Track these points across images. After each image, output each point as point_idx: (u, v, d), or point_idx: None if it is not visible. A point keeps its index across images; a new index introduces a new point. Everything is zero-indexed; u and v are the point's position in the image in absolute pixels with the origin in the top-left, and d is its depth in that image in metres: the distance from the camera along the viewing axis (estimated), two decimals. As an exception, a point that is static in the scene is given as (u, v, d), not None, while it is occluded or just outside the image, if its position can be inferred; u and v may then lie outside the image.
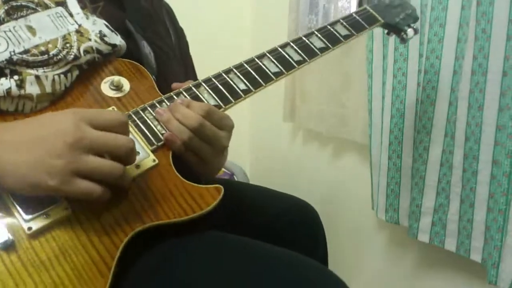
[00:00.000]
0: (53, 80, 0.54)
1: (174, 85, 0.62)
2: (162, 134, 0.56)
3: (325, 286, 0.46)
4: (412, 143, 0.99)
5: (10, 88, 0.51)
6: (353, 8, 1.31)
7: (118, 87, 0.59)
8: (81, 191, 0.44)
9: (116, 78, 0.59)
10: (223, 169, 1.47)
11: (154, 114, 0.57)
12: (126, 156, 0.48)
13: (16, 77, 0.52)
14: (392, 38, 1.00)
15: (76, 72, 0.57)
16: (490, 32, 0.80)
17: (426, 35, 0.92)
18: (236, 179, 1.56)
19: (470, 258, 0.89)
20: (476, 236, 0.88)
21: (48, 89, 0.54)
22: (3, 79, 0.52)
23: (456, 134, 0.88)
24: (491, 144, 0.83)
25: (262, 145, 1.82)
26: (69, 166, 0.43)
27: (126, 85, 0.59)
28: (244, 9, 1.77)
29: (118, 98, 0.58)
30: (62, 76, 0.55)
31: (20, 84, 0.52)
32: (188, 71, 0.81)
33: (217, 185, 0.53)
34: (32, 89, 0.53)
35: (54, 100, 0.55)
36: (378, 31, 1.05)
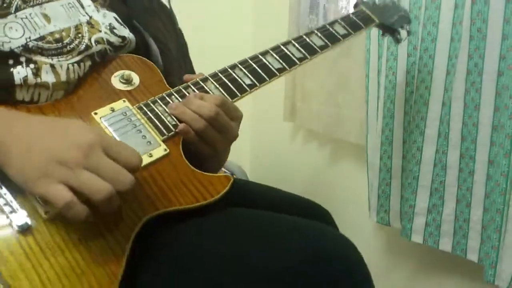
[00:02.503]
0: (68, 69, 0.56)
1: (186, 76, 0.64)
2: (172, 125, 0.57)
3: (336, 245, 0.49)
4: (402, 143, 0.99)
5: (26, 76, 0.53)
6: (352, 8, 1.31)
7: (128, 81, 0.60)
8: (54, 198, 0.43)
9: (126, 72, 0.60)
10: (222, 168, 1.48)
11: (164, 107, 0.59)
12: (122, 193, 0.45)
13: (32, 65, 0.53)
14: (386, 38, 0.99)
15: (88, 63, 0.58)
16: (485, 32, 0.80)
17: (420, 34, 0.92)
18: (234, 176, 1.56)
19: (467, 258, 0.89)
20: (472, 236, 0.87)
21: (63, 77, 0.55)
22: (19, 67, 0.53)
23: (451, 134, 0.88)
24: (487, 144, 0.83)
25: (262, 145, 1.82)
26: (63, 174, 0.43)
27: (135, 78, 0.61)
28: (244, 9, 1.77)
29: (128, 91, 0.60)
30: (75, 65, 0.56)
31: (36, 73, 0.53)
32: (186, 72, 0.82)
33: (227, 174, 0.55)
34: (48, 77, 0.54)
35: (67, 91, 0.57)
36: (374, 32, 1.05)
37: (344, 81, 1.25)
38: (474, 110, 0.84)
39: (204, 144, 0.58)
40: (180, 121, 0.57)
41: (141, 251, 0.50)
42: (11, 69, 0.52)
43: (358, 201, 1.27)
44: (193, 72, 0.83)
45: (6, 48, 0.52)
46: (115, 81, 0.60)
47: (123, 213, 0.49)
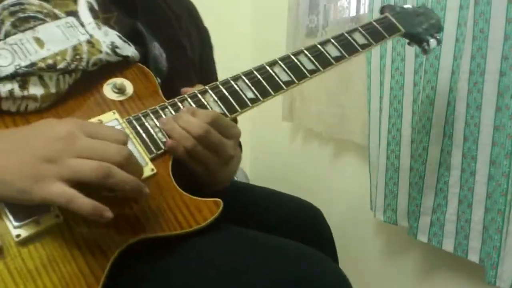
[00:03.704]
0: (57, 79, 0.53)
1: (184, 89, 0.59)
2: (162, 142, 0.54)
3: (327, 276, 0.47)
4: (410, 142, 0.99)
5: (13, 89, 0.50)
6: (353, 8, 1.31)
7: (120, 90, 0.57)
8: (57, 197, 0.41)
9: (118, 80, 0.57)
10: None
11: (155, 121, 0.55)
12: (122, 164, 0.44)
13: (18, 77, 0.50)
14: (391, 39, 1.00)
15: (80, 72, 0.55)
16: (487, 32, 0.80)
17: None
18: (236, 178, 1.56)
19: (468, 258, 0.89)
20: (473, 237, 0.88)
21: (53, 89, 0.52)
22: (5, 80, 0.50)
23: (454, 135, 0.88)
24: (488, 144, 0.83)
25: (262, 145, 1.82)
26: (55, 170, 0.42)
27: (129, 88, 0.57)
28: (243, 9, 1.77)
29: (120, 102, 0.56)
30: (66, 75, 0.53)
31: (23, 85, 0.50)
32: (208, 76, 0.78)
33: (216, 199, 0.51)
34: (35, 89, 0.51)
35: (56, 102, 0.53)
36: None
37: (346, 80, 1.25)
38: (476, 110, 0.84)
39: (195, 163, 0.55)
40: (170, 138, 0.54)
41: (120, 282, 0.47)
42: None
43: (358, 201, 1.27)
44: (215, 76, 0.80)
45: None
46: (107, 89, 0.57)
47: (100, 238, 0.46)
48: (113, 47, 0.57)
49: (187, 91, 0.59)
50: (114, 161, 0.43)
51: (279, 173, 1.71)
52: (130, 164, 0.45)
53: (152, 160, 0.53)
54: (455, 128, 0.88)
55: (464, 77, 0.84)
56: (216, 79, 0.80)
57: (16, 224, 0.44)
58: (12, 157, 0.43)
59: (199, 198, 0.51)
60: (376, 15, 1.04)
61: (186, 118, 0.54)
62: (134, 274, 0.48)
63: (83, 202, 0.42)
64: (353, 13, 1.30)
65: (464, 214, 0.89)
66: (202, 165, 0.55)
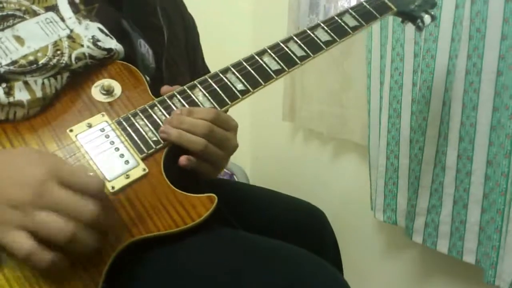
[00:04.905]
0: (43, 83, 0.52)
1: (164, 89, 0.58)
2: (153, 141, 0.54)
3: (320, 279, 0.46)
4: (409, 143, 0.99)
5: None
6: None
7: (108, 91, 0.56)
8: (14, 246, 0.39)
9: (106, 82, 0.56)
10: (222, 168, 1.47)
11: (145, 120, 0.55)
12: (91, 223, 0.42)
13: (4, 84, 0.50)
14: (390, 39, 1.00)
15: (66, 74, 0.54)
16: (484, 31, 0.80)
17: (423, 35, 0.92)
18: (236, 178, 1.57)
19: (463, 260, 0.88)
20: (469, 238, 0.87)
21: (39, 94, 0.52)
22: None
23: (450, 135, 0.88)
24: (485, 144, 0.83)
25: (262, 145, 1.82)
26: (19, 219, 0.40)
27: (117, 88, 0.57)
28: (244, 9, 1.77)
29: (109, 103, 0.56)
30: (52, 79, 0.53)
31: (9, 92, 0.50)
32: (196, 66, 0.78)
33: (210, 195, 0.51)
34: (21, 95, 0.51)
35: (44, 106, 0.53)
36: (376, 31, 1.05)
37: (347, 80, 1.25)
38: (472, 110, 0.84)
39: (205, 164, 0.55)
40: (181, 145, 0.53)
41: (116, 285, 0.47)
42: None
43: (359, 201, 1.27)
44: (204, 65, 0.81)
45: None
46: (95, 92, 0.56)
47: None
48: (94, 41, 0.56)
49: (168, 90, 0.58)
50: (84, 219, 0.41)
51: (279, 173, 1.71)
52: (98, 222, 0.42)
53: (143, 159, 0.52)
54: (450, 128, 0.87)
55: (460, 77, 0.84)
56: (204, 66, 0.80)
57: None
58: None
59: (193, 195, 0.51)
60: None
61: (188, 120, 0.53)
62: (130, 276, 0.48)
63: (41, 259, 0.40)
64: (352, 13, 1.30)
65: (459, 215, 0.89)
66: (212, 164, 0.56)
